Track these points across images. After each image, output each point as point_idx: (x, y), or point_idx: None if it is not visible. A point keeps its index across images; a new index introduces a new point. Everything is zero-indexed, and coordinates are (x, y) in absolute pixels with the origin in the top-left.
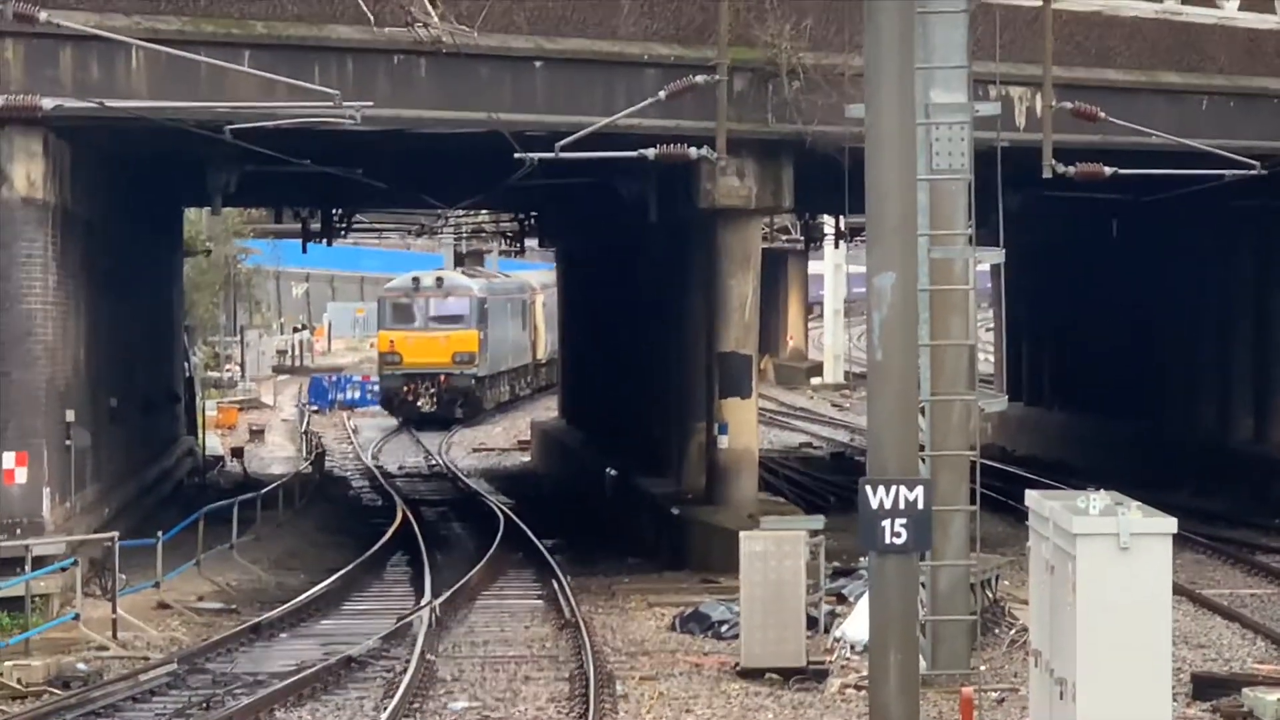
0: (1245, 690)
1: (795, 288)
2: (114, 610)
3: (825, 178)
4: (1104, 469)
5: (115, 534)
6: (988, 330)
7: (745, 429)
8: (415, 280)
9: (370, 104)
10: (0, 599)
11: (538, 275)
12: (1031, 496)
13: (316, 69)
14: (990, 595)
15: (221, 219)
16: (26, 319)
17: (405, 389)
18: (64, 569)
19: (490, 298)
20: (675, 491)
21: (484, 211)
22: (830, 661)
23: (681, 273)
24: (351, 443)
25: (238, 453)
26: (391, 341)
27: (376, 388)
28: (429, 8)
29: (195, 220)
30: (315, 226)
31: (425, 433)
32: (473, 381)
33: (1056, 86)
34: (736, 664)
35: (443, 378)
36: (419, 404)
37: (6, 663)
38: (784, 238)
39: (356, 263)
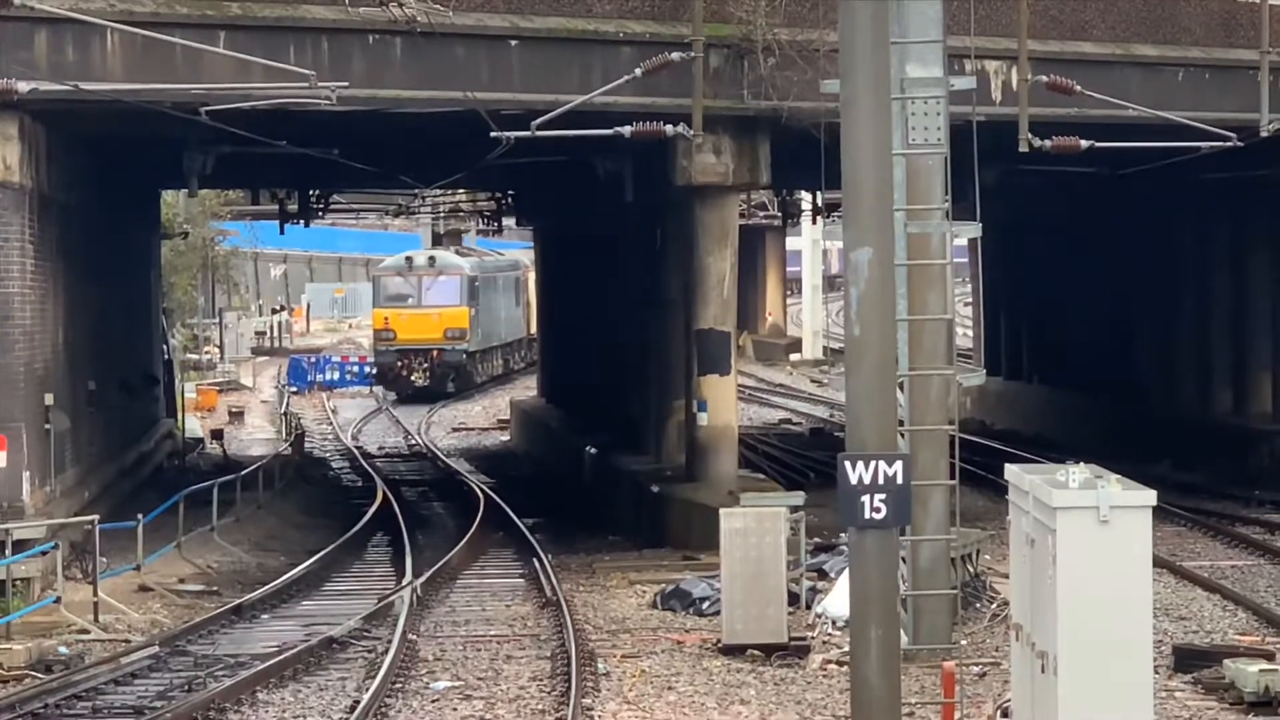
0: (1226, 662)
1: (773, 264)
2: (95, 593)
3: (802, 153)
4: (1083, 442)
5: (95, 517)
6: (966, 305)
7: (724, 406)
8: (409, 259)
9: (346, 84)
10: None
11: (531, 253)
12: (1011, 470)
13: (292, 49)
14: (971, 569)
15: (199, 201)
16: (4, 303)
17: (399, 364)
18: (44, 553)
19: (481, 275)
20: (655, 469)
21: (461, 191)
22: (812, 637)
23: (659, 250)
24: (331, 423)
25: (217, 435)
26: (386, 318)
27: (356, 368)
28: None
29: (172, 202)
30: (292, 207)
31: (406, 411)
32: (464, 356)
33: (1032, 60)
34: (718, 641)
35: (435, 353)
36: (412, 378)
37: None
38: (761, 214)
39: (334, 243)
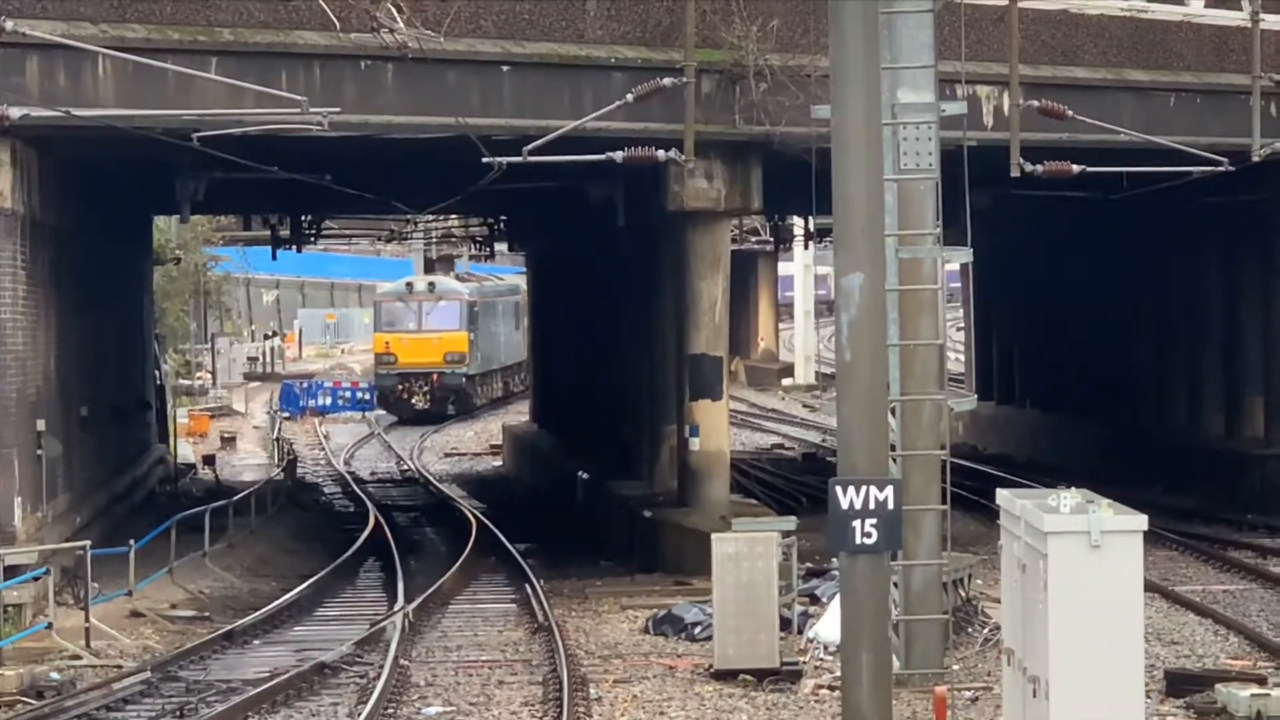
0: (1219, 686)
1: (765, 289)
2: (87, 619)
3: (794, 179)
4: (1075, 467)
5: (87, 543)
6: (958, 329)
7: (716, 431)
8: (409, 285)
9: (338, 110)
10: None
11: None
12: (1003, 495)
13: (284, 75)
14: (963, 594)
15: (191, 227)
16: None
17: (400, 388)
18: (36, 578)
19: (481, 300)
20: (647, 494)
21: (453, 216)
22: (804, 662)
23: (651, 275)
24: (323, 449)
25: (209, 460)
26: (387, 343)
27: (349, 393)
28: (394, 13)
29: (164, 228)
30: (284, 233)
31: (398, 437)
32: (463, 380)
33: (1023, 85)
34: (710, 665)
35: (435, 376)
36: (413, 401)
37: None
38: (754, 239)
39: (326, 269)
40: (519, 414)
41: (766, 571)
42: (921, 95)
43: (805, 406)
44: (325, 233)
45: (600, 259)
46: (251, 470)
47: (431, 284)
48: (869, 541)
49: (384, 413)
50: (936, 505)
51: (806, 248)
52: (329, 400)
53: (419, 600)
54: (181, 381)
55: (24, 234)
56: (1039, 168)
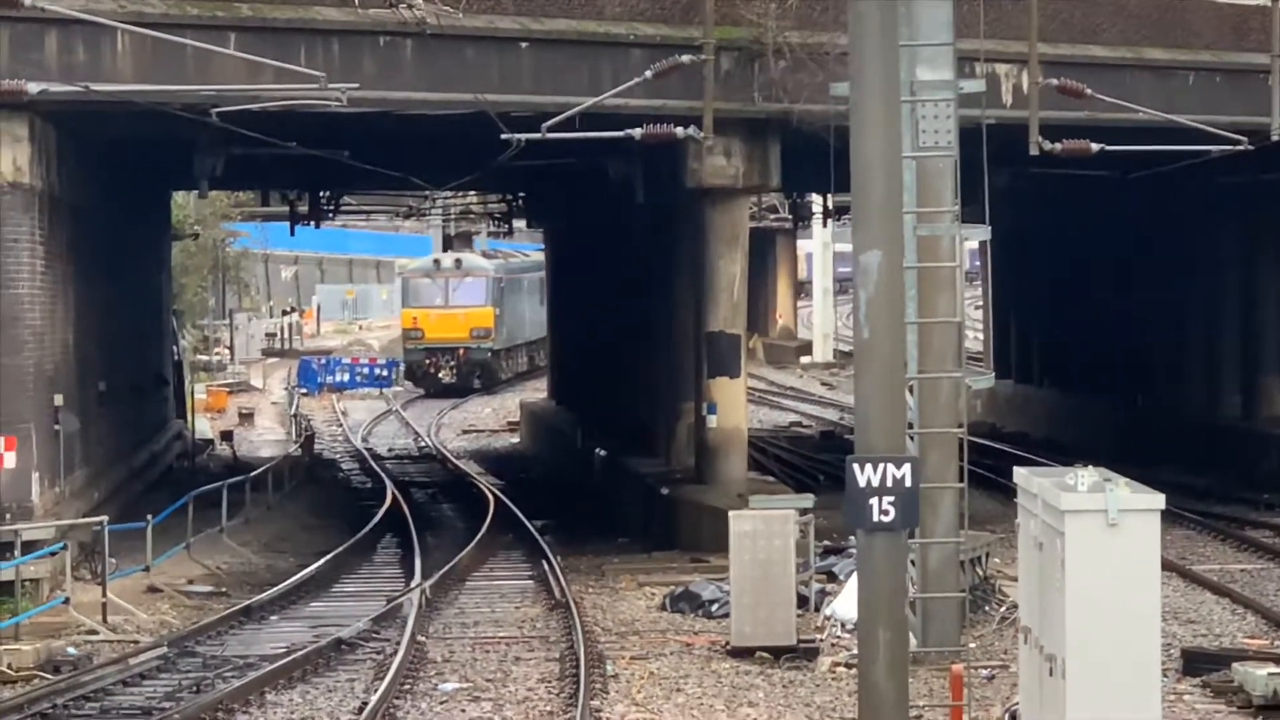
0: (1235, 665)
1: (784, 267)
2: (104, 594)
3: (813, 156)
4: (1093, 446)
5: (104, 518)
6: (976, 308)
7: (734, 408)
8: (436, 262)
9: (356, 86)
10: None
11: None
12: (1020, 473)
13: (302, 51)
14: (980, 572)
15: (209, 202)
16: (14, 304)
17: (427, 362)
18: (53, 553)
19: (506, 277)
20: (665, 471)
21: (472, 193)
22: (820, 640)
23: (669, 252)
24: (341, 425)
25: (227, 436)
26: (414, 318)
27: (367, 370)
28: None
29: (183, 204)
30: (303, 209)
31: (416, 413)
32: (489, 355)
33: (1042, 63)
34: (727, 643)
35: (461, 351)
36: (440, 375)
37: None
38: (772, 217)
39: (345, 245)
40: (542, 389)
41: (784, 549)
42: (940, 73)
43: (823, 384)
44: (343, 208)
45: (619, 236)
46: (269, 446)
47: (458, 260)
48: (886, 519)
49: (402, 389)
50: (954, 483)
51: (825, 225)
52: (347, 376)
53: (436, 577)
54: (200, 357)
55: (42, 209)
56: (1057, 146)
